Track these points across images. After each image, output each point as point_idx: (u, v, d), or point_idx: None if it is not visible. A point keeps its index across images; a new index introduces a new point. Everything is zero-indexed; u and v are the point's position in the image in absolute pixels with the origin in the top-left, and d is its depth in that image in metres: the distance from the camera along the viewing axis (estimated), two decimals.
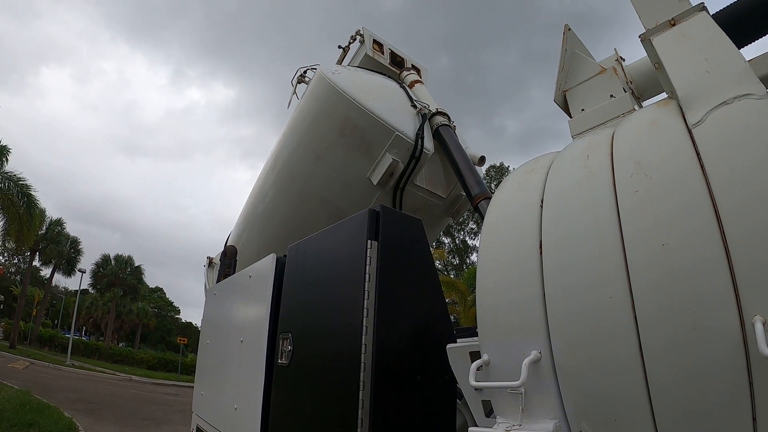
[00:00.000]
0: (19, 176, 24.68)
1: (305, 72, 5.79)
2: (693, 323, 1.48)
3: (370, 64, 5.65)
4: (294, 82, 5.82)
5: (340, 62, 5.99)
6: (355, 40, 5.89)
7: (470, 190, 4.10)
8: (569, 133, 2.66)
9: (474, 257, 40.38)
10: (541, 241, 1.93)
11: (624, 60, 2.99)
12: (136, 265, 51.51)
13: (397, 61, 5.87)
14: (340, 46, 6.08)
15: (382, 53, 5.76)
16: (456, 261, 40.22)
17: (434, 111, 4.70)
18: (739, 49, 1.94)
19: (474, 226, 38.09)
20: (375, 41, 5.75)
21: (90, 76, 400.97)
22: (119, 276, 49.06)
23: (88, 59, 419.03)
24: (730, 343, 1.43)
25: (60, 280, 67.54)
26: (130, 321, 56.42)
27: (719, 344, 1.45)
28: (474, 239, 40.27)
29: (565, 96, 2.90)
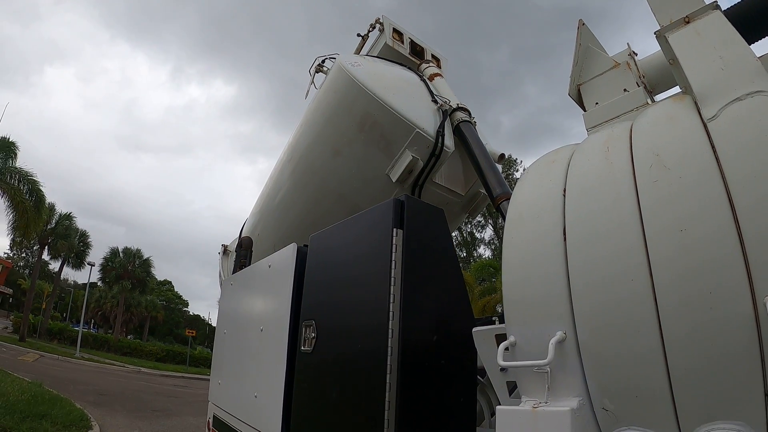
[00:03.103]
0: (27, 172, 24.78)
1: (323, 61, 5.61)
2: (710, 304, 1.59)
3: (389, 54, 5.50)
4: (312, 72, 5.64)
5: (358, 51, 5.86)
6: (374, 28, 5.73)
7: (492, 191, 4.03)
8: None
9: (481, 250, 40.38)
10: (564, 230, 2.02)
11: (636, 55, 3.05)
12: (144, 257, 51.63)
13: (417, 50, 5.70)
14: (359, 35, 5.91)
15: (402, 42, 5.61)
16: (463, 254, 40.16)
17: (455, 106, 4.59)
18: (749, 45, 2.02)
19: (481, 219, 38.03)
20: (395, 30, 5.59)
21: (93, 75, 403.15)
22: (128, 269, 49.19)
23: (90, 59, 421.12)
24: (743, 321, 1.54)
25: (69, 274, 67.96)
26: (138, 314, 56.52)
27: (734, 320, 1.56)
28: (481, 232, 40.26)
29: (579, 90, 2.97)
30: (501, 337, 2.28)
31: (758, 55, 1.97)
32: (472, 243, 40.56)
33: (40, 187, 25.10)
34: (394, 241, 2.81)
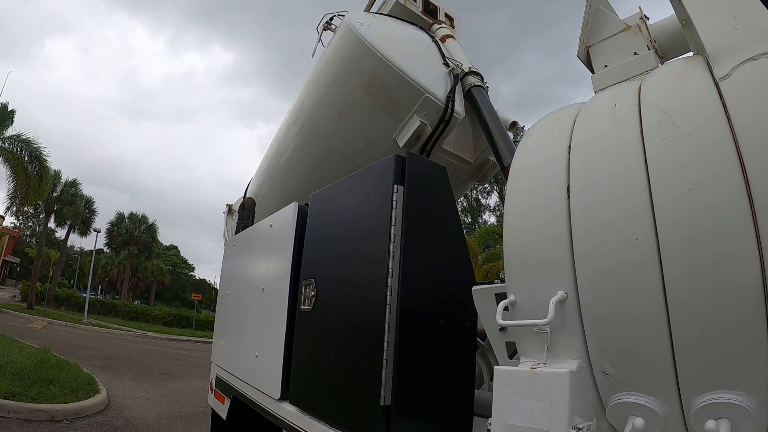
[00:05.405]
0: (30, 140, 24.55)
1: (332, 18, 5.37)
2: (715, 262, 1.55)
3: (400, 12, 5.23)
4: (319, 29, 5.42)
5: (368, 8, 5.62)
6: None
7: (503, 160, 3.92)
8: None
9: (486, 216, 40.28)
10: (568, 185, 1.98)
11: (648, 18, 2.99)
12: (150, 223, 51.78)
13: (429, 9, 5.45)
14: None
15: (414, 0, 5.33)
16: (468, 219, 40.04)
17: (467, 70, 4.45)
18: None
19: (486, 185, 37.78)
20: None
21: (93, 46, 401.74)
22: (134, 235, 49.38)
23: (89, 29, 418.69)
24: (750, 288, 1.51)
25: (75, 241, 68.57)
26: (145, 279, 57.17)
27: (738, 274, 1.53)
28: (486, 198, 40.09)
29: (588, 51, 2.92)
30: (501, 296, 2.25)
31: None
32: (477, 209, 40.45)
33: (44, 156, 24.96)
34: (394, 198, 2.76)
